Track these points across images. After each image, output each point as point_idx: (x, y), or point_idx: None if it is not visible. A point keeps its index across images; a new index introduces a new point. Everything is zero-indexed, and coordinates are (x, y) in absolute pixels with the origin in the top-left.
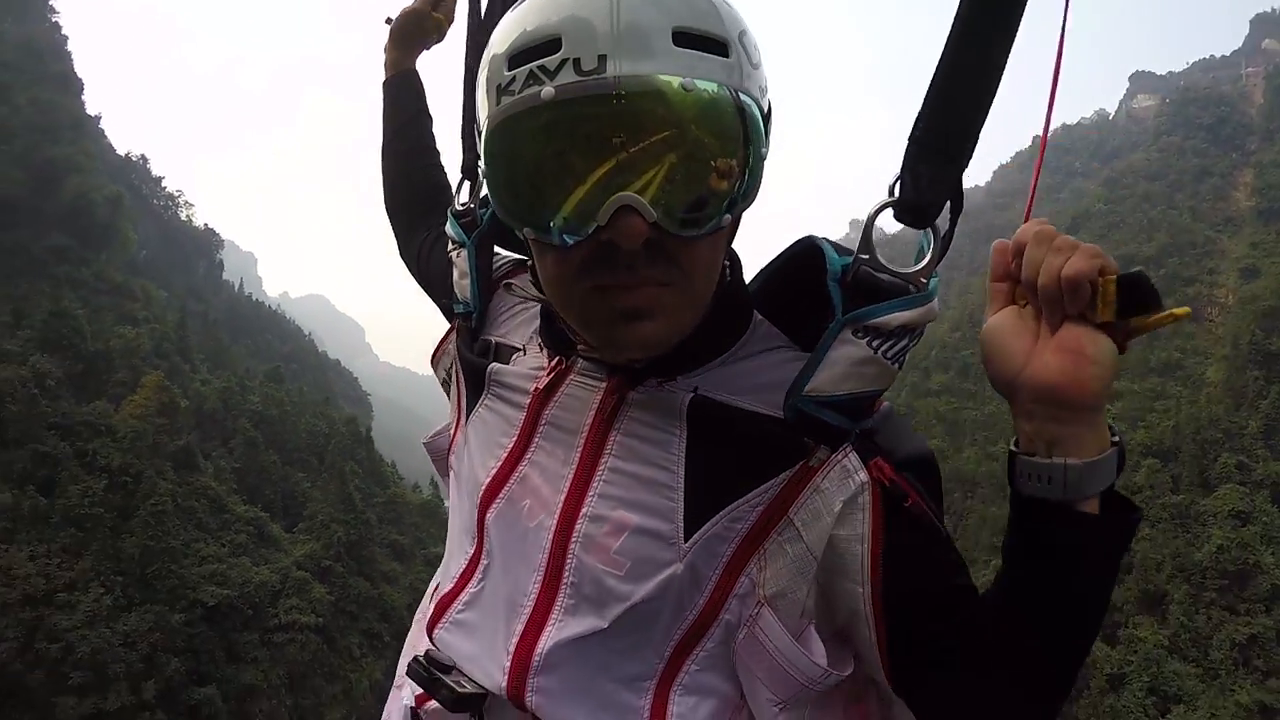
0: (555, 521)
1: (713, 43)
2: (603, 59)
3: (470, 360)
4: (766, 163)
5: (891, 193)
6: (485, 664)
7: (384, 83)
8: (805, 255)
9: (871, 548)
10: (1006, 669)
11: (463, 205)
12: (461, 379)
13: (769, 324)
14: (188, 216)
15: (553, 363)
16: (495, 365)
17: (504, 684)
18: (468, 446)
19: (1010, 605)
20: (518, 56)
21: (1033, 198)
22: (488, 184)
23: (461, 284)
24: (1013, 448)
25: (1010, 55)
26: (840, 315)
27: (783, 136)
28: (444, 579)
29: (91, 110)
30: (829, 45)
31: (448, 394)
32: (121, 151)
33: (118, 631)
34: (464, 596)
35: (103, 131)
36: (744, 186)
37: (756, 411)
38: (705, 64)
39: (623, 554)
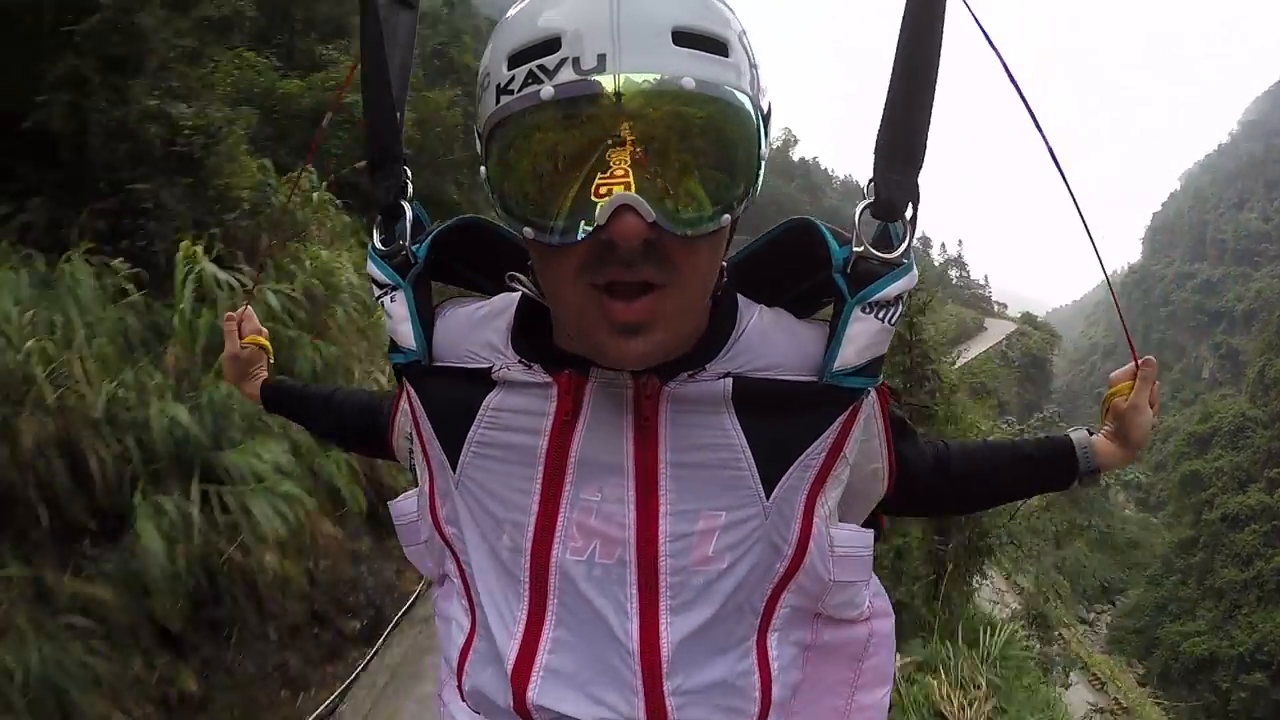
0: (633, 553)
1: (712, 42)
2: (602, 58)
3: (445, 399)
4: (765, 162)
5: (865, 195)
6: (609, 698)
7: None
8: (800, 233)
9: (886, 439)
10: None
11: (385, 245)
12: (430, 427)
13: (741, 298)
14: None
15: (561, 382)
16: (490, 395)
17: (641, 709)
18: (476, 490)
19: (1009, 464)
20: (517, 56)
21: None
22: (489, 184)
23: (402, 330)
24: (1093, 431)
25: (939, 77)
26: (850, 299)
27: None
28: (500, 639)
29: None
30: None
31: (412, 462)
32: None
33: None
34: (545, 645)
35: None
36: (743, 187)
37: (790, 379)
38: (705, 64)
39: (721, 549)
